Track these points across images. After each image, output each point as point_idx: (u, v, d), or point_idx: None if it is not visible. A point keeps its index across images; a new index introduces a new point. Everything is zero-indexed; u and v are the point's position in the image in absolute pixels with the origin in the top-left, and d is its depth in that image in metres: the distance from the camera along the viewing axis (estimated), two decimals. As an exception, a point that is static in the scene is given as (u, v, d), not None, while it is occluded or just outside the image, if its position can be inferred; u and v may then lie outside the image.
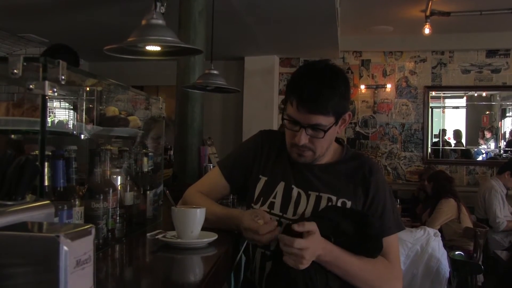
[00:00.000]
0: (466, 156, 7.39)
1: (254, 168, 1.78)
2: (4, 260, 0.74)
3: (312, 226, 1.44)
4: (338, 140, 1.81)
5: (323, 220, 1.51)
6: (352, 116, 1.70)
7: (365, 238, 1.52)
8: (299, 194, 1.67)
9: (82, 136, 1.52)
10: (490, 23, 5.98)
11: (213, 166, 3.47)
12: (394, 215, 1.67)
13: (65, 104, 1.57)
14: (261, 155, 1.78)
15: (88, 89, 1.60)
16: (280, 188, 1.70)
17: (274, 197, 1.69)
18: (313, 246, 1.43)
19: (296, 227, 1.42)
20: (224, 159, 1.93)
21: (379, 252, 1.55)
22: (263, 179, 1.75)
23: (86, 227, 0.80)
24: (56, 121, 1.46)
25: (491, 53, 6.77)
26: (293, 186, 1.69)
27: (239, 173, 1.81)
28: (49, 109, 1.23)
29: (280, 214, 1.66)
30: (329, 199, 1.64)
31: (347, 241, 1.51)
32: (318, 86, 1.55)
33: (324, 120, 1.56)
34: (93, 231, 0.80)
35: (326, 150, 1.68)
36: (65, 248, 0.72)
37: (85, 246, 0.78)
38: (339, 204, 1.63)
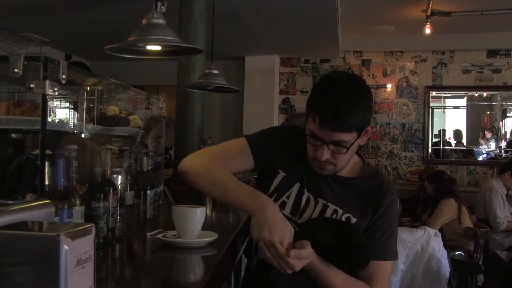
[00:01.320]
0: (469, 155, 7.37)
1: (277, 158, 1.72)
2: (4, 259, 0.74)
3: (306, 252, 1.43)
4: (359, 154, 1.78)
5: (307, 234, 1.50)
6: (373, 127, 1.65)
7: (349, 248, 1.51)
8: (308, 199, 1.66)
9: (83, 135, 1.52)
10: (491, 23, 5.97)
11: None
12: (392, 242, 1.65)
13: (65, 104, 1.57)
14: (287, 148, 1.73)
15: (88, 88, 1.60)
16: (295, 189, 1.68)
17: (288, 197, 1.67)
18: (300, 266, 1.43)
19: (292, 256, 1.39)
20: (253, 135, 1.80)
21: (365, 263, 1.54)
22: (281, 174, 1.71)
23: (86, 226, 0.80)
24: (56, 120, 1.46)
25: (492, 53, 6.76)
26: (305, 189, 1.67)
27: (265, 152, 1.73)
28: (50, 108, 1.23)
29: (289, 216, 1.64)
30: (335, 211, 1.62)
31: (329, 252, 1.50)
32: (342, 104, 1.52)
33: (347, 137, 1.53)
34: (93, 230, 0.80)
35: (348, 162, 1.66)
36: (66, 247, 0.72)
37: (86, 245, 0.78)
38: (343, 218, 1.62)
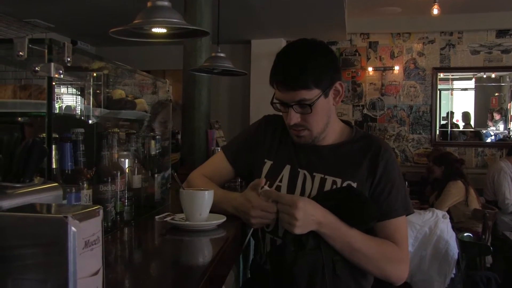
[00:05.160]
0: (477, 137, 7.32)
1: (258, 152, 1.76)
2: (12, 242, 0.74)
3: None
4: (347, 122, 1.78)
5: None
6: (344, 86, 1.65)
7: (350, 207, 1.51)
8: (304, 176, 1.65)
9: (90, 121, 1.51)
10: (500, 2, 5.90)
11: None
12: (402, 197, 1.63)
13: (72, 90, 1.57)
14: (265, 138, 1.77)
15: (95, 74, 1.59)
16: (286, 171, 1.68)
17: (280, 181, 1.68)
18: (306, 207, 1.44)
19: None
20: (228, 144, 1.93)
21: (370, 218, 1.53)
22: (268, 163, 1.73)
23: (94, 208, 0.79)
24: (64, 106, 1.46)
25: (501, 33, 6.68)
26: (298, 169, 1.67)
27: (243, 157, 1.81)
28: (57, 94, 1.23)
29: None
30: (334, 182, 1.61)
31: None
32: (293, 62, 1.56)
33: (307, 94, 1.54)
34: (101, 212, 0.80)
35: (325, 126, 1.65)
36: (73, 229, 0.72)
37: (93, 227, 0.78)
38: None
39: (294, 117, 1.58)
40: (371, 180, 1.61)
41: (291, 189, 1.66)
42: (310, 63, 1.56)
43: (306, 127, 1.61)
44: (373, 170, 1.61)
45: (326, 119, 1.64)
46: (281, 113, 1.68)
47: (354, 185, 1.60)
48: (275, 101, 1.63)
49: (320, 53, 1.61)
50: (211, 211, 1.60)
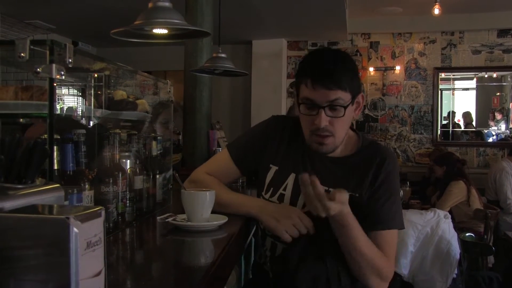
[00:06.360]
0: (479, 137, 7.32)
1: (265, 154, 1.73)
2: (14, 243, 0.74)
3: (343, 196, 1.43)
4: (351, 128, 1.76)
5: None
6: (364, 98, 1.65)
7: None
8: None
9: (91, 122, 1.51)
10: (501, 2, 5.89)
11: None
12: (396, 210, 1.61)
13: (73, 91, 1.57)
14: (273, 141, 1.73)
15: (96, 75, 1.59)
16: (290, 180, 1.66)
17: (284, 189, 1.66)
18: (335, 209, 1.42)
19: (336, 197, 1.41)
20: (233, 142, 1.87)
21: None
22: (273, 168, 1.70)
23: (96, 209, 0.79)
24: (65, 107, 1.46)
25: (503, 32, 6.67)
26: None
27: (249, 157, 1.76)
28: (58, 96, 1.23)
29: None
30: None
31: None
32: (331, 62, 1.53)
33: (343, 95, 1.51)
34: (103, 213, 0.80)
35: (345, 136, 1.63)
36: (75, 230, 0.72)
37: (95, 228, 0.78)
38: None
39: (324, 120, 1.53)
40: (371, 188, 1.60)
41: (294, 199, 1.64)
42: (346, 66, 1.55)
43: (332, 133, 1.57)
44: (373, 179, 1.60)
45: (348, 126, 1.63)
46: (291, 116, 1.66)
47: (356, 195, 1.59)
48: (301, 101, 1.57)
49: (352, 61, 1.61)
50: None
